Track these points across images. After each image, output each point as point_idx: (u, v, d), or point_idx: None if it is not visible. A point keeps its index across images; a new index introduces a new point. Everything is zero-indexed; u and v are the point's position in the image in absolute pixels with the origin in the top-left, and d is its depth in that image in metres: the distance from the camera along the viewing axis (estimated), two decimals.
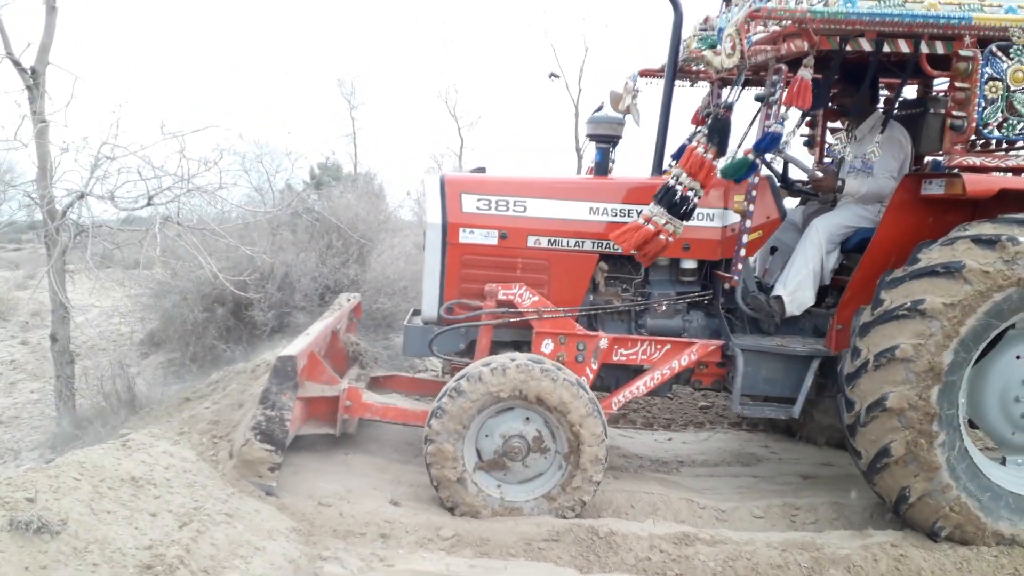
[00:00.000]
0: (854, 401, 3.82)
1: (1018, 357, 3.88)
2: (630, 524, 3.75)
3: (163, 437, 3.88)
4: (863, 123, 4.69)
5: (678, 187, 3.87)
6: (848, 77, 4.38)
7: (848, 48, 3.85)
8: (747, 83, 4.96)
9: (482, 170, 4.85)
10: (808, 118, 5.35)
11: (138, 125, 6.38)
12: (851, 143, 4.74)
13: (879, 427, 3.70)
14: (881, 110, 4.76)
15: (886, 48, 3.84)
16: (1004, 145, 4.07)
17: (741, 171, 3.98)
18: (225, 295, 6.59)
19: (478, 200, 4.36)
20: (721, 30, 3.84)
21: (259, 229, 7.38)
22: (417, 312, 5.01)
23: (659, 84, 4.84)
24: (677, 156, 4.88)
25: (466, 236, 4.33)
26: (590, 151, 5.38)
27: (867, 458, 3.81)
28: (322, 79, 36.73)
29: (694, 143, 3.92)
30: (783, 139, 4.03)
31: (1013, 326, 3.85)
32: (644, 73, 5.06)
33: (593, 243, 4.39)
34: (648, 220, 3.93)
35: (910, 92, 5.18)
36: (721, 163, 3.95)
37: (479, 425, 3.90)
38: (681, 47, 4.54)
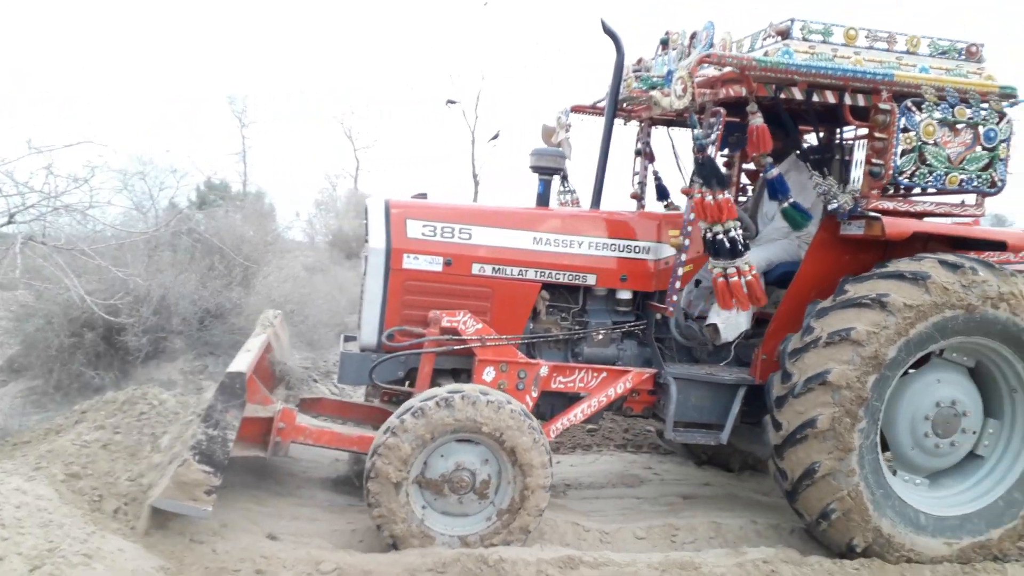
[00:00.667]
0: (782, 423, 4.02)
1: (939, 381, 4.20)
2: (519, 550, 3.75)
3: (16, 473, 3.59)
4: (779, 166, 4.88)
5: (718, 236, 3.98)
6: (773, 123, 4.60)
7: (782, 96, 4.09)
8: (670, 123, 5.26)
9: (423, 196, 4.82)
10: (725, 159, 5.67)
11: (2, 139, 5.96)
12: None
13: (807, 447, 3.92)
14: (795, 154, 5.03)
15: (815, 98, 4.11)
16: (915, 191, 4.37)
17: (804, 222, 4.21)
18: (95, 319, 6.20)
19: (423, 226, 4.34)
20: (671, 73, 3.98)
21: (135, 250, 7.00)
22: (351, 338, 4.89)
23: (589, 120, 5.13)
24: (662, 195, 5.38)
25: (410, 262, 4.30)
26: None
27: (792, 478, 4.01)
28: (212, 95, 35.52)
29: (699, 195, 4.00)
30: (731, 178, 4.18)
31: (943, 353, 4.22)
32: (576, 109, 5.24)
33: (536, 272, 4.45)
34: (721, 275, 4.02)
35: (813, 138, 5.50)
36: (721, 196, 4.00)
37: (438, 445, 3.82)
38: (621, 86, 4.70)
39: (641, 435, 6.29)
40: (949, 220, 4.54)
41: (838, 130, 5.20)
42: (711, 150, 4.05)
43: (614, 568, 3.64)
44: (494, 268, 4.40)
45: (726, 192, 4.01)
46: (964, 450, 4.29)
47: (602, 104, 5.11)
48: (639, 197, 5.47)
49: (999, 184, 4.17)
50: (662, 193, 5.59)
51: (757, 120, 4.01)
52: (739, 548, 4.05)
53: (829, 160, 5.15)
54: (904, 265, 4.02)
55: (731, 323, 4.43)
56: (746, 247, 4.04)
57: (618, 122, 5.17)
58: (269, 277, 7.81)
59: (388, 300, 4.29)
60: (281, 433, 4.03)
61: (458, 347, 4.24)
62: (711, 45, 4.00)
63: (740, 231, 4.02)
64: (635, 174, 5.48)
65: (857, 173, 5.04)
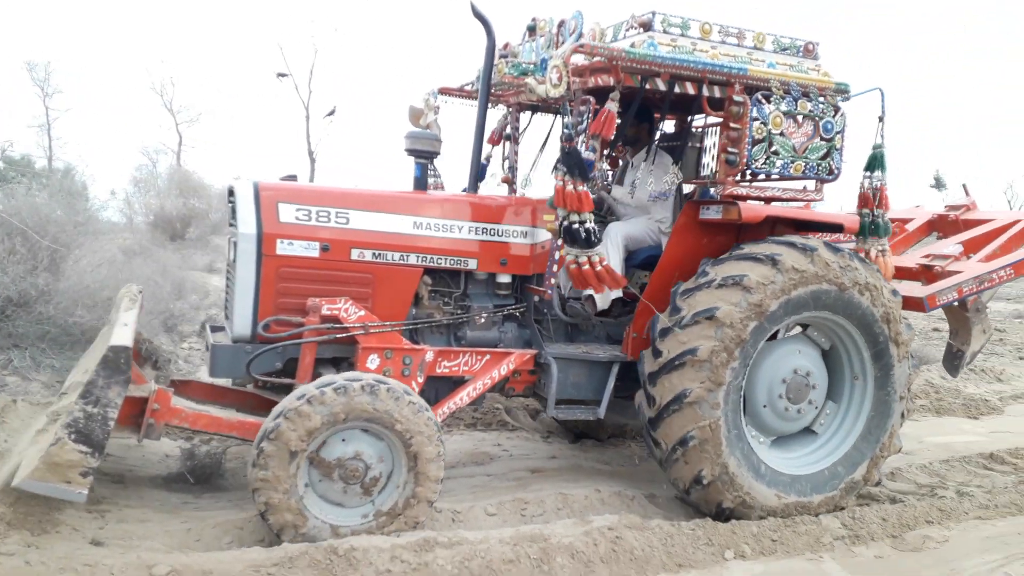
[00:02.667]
0: (655, 397, 4.27)
1: (799, 352, 4.61)
2: (372, 538, 3.66)
3: None
4: (639, 152, 5.18)
5: (574, 226, 4.07)
6: (638, 115, 4.75)
7: (647, 87, 4.24)
8: (536, 110, 5.29)
9: (293, 178, 4.55)
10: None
11: None
12: (630, 169, 5.25)
13: (682, 374, 4.18)
14: (655, 142, 5.16)
15: (676, 88, 4.29)
16: (761, 177, 4.73)
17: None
18: None
19: (297, 210, 4.14)
20: (545, 60, 3.98)
21: None
22: (217, 328, 4.55)
23: (455, 102, 5.13)
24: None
25: (284, 248, 4.09)
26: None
27: (666, 447, 4.28)
28: (8, 62, 31.78)
29: (560, 183, 4.05)
30: (594, 164, 4.23)
31: (807, 329, 4.71)
32: (444, 91, 5.16)
33: (418, 256, 4.38)
34: (574, 263, 4.13)
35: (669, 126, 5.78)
36: (582, 187, 4.06)
37: (347, 428, 3.70)
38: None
39: (490, 413, 6.35)
40: (793, 204, 4.98)
41: (689, 119, 5.51)
42: (579, 140, 4.12)
43: (468, 547, 3.64)
44: (374, 253, 4.29)
45: (587, 184, 4.10)
46: (805, 421, 4.70)
47: (469, 88, 5.15)
48: (511, 181, 5.48)
49: (836, 172, 4.58)
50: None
51: (612, 105, 4.14)
52: (585, 517, 4.18)
53: (681, 148, 5.45)
54: (795, 239, 4.42)
55: (604, 294, 4.61)
56: (595, 242, 4.16)
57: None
58: (81, 261, 7.11)
59: (261, 288, 4.07)
60: (155, 415, 3.79)
61: (341, 335, 4.09)
62: (580, 35, 4.12)
63: (594, 224, 4.14)
64: (504, 159, 5.50)
65: (707, 159, 5.37)
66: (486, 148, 5.19)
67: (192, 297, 9.71)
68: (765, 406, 4.55)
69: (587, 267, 4.14)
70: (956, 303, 5.18)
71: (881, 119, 4.65)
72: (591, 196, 4.14)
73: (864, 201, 4.75)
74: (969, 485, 5.34)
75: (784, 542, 4.15)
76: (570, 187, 4.05)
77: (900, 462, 5.64)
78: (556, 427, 6.14)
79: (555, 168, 4.15)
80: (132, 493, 4.27)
